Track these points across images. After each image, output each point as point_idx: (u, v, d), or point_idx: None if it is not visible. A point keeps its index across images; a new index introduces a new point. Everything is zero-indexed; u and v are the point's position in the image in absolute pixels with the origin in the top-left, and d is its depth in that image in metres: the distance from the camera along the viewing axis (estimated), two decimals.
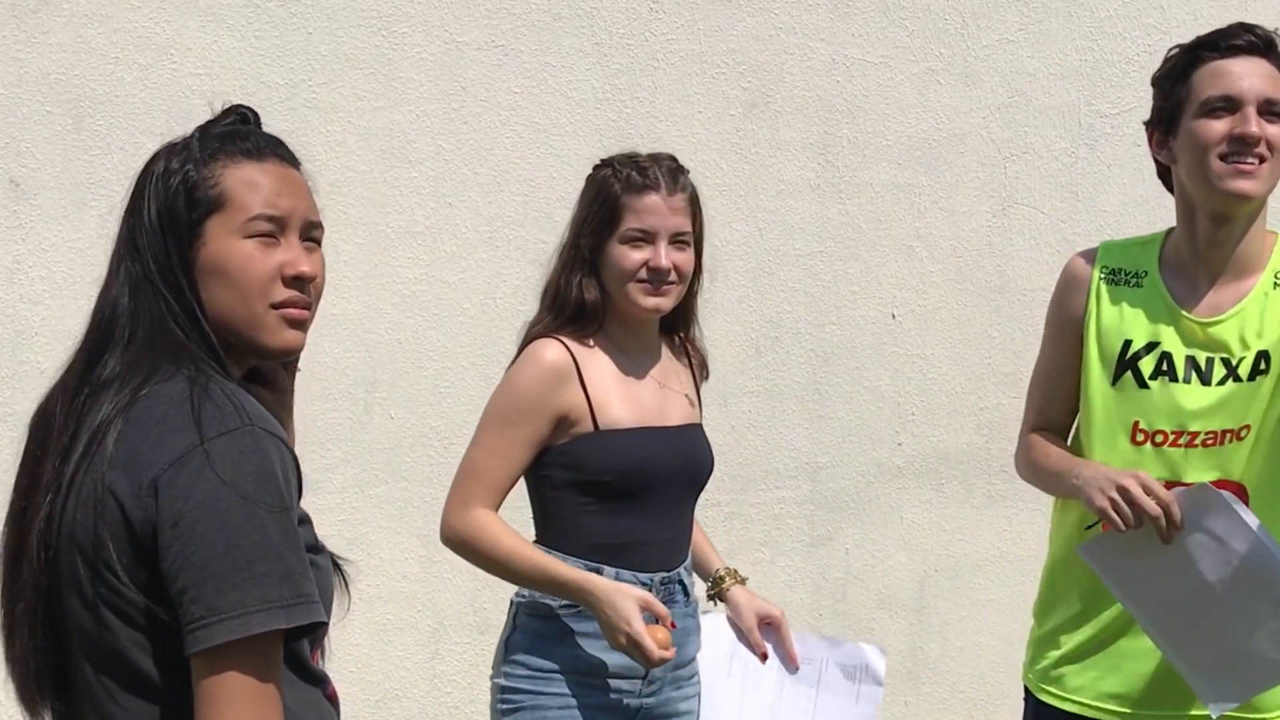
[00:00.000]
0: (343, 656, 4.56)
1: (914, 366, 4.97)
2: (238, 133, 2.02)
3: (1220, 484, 2.88)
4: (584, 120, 4.74)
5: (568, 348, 3.06)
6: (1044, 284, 4.18)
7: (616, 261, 3.06)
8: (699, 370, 3.34)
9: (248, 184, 1.97)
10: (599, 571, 3.03)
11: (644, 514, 3.09)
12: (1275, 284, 2.95)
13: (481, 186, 4.72)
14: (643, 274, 3.05)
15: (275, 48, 4.60)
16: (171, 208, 1.97)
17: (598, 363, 3.09)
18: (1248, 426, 2.92)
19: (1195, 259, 2.98)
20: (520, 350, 3.12)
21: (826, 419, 4.94)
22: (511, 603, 3.17)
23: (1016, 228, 4.89)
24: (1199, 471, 2.92)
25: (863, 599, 5.00)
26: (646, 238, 3.05)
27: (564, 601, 3.04)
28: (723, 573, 3.31)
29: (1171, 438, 2.95)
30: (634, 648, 2.90)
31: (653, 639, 2.91)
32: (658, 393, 3.16)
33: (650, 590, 3.05)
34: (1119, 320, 3.02)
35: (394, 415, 4.71)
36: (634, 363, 3.15)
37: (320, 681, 2.01)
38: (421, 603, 4.71)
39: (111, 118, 4.54)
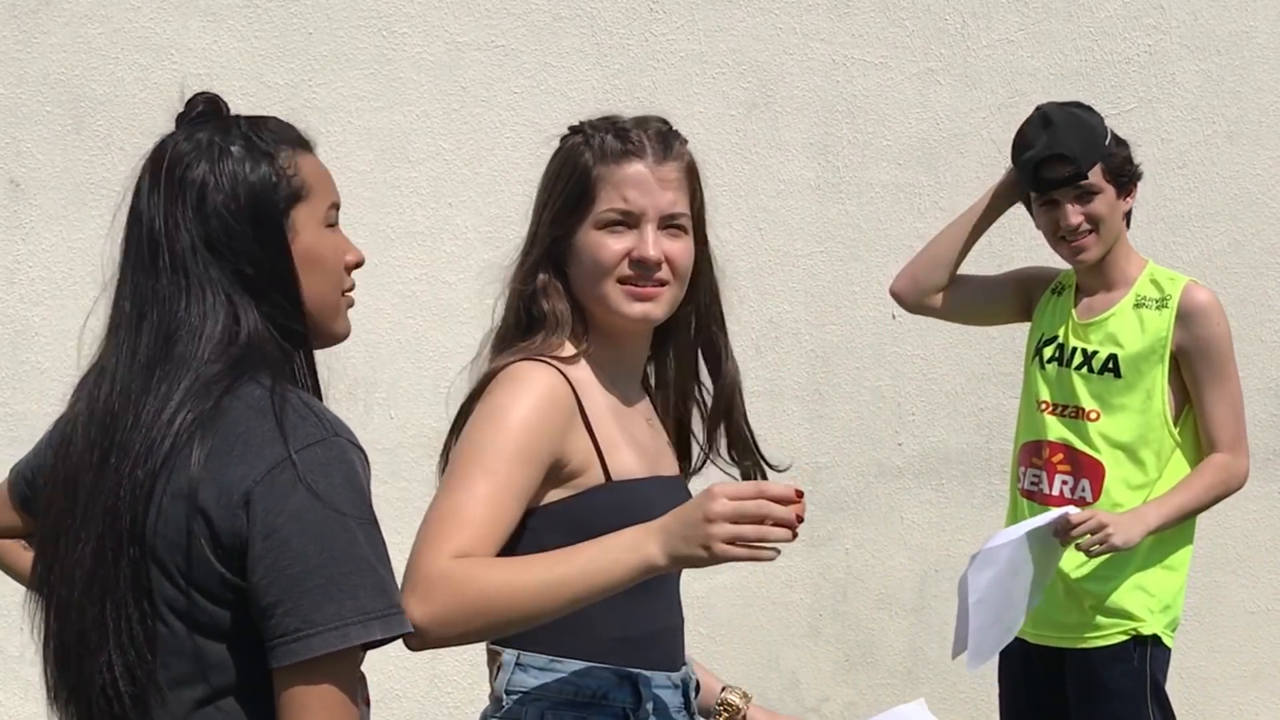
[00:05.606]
0: None
1: (914, 366, 4.96)
2: (269, 120, 1.99)
3: None
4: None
5: (561, 372, 2.27)
6: None
7: (591, 253, 2.31)
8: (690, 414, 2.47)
9: (320, 174, 1.99)
10: (632, 680, 2.26)
11: (661, 593, 2.30)
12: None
13: (481, 186, 4.72)
14: (624, 268, 2.29)
15: (275, 48, 4.60)
16: (262, 203, 1.92)
17: (592, 393, 2.31)
18: None
19: None
20: (491, 376, 2.31)
21: (826, 419, 4.94)
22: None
23: (1016, 228, 4.88)
24: None
25: (863, 599, 4.99)
26: (629, 220, 2.31)
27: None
28: (733, 698, 2.47)
29: None
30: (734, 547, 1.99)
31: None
32: (648, 432, 2.39)
33: (676, 691, 2.32)
34: None
35: (394, 415, 4.71)
36: (622, 391, 2.37)
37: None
38: None
39: (111, 118, 4.54)
